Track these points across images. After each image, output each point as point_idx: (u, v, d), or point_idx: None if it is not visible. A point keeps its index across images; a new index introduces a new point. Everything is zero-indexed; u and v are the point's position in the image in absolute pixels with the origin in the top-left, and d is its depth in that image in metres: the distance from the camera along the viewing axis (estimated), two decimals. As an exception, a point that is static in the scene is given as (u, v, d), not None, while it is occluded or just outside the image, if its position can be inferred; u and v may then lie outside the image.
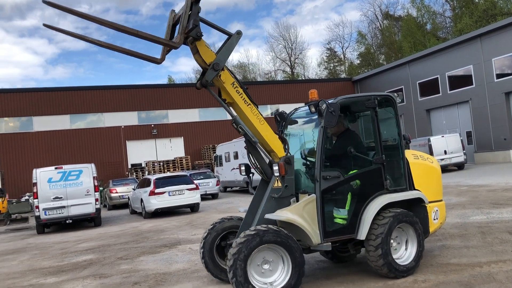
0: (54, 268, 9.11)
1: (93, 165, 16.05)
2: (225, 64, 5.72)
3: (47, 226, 16.03)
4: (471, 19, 42.45)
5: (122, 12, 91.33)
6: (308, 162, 6.38)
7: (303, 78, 60.58)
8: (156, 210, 16.73)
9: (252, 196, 6.36)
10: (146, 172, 31.25)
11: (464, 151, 24.72)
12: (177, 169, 31.77)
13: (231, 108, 5.90)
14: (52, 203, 15.07)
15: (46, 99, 32.28)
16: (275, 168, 5.78)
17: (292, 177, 5.87)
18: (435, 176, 6.77)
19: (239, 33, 5.77)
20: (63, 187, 15.25)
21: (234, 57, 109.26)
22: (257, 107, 5.94)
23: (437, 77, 31.84)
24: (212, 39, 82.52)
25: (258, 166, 6.09)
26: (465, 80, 29.86)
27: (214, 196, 23.69)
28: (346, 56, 64.47)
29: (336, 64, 64.80)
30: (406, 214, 5.95)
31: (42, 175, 15.22)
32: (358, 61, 61.69)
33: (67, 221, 15.34)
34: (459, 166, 24.81)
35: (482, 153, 28.46)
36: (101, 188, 22.64)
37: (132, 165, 33.50)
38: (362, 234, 5.77)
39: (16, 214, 18.12)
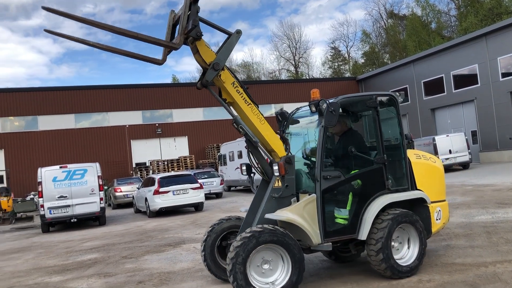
0: (59, 266, 9.15)
1: (97, 164, 16.12)
2: (227, 63, 5.71)
3: (52, 225, 16.11)
4: (476, 18, 42.24)
5: (126, 12, 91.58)
6: (309, 162, 6.37)
7: (307, 77, 60.50)
8: (160, 209, 16.77)
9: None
10: (151, 171, 31.31)
11: (469, 151, 24.61)
12: (181, 168, 31.82)
13: (231, 107, 5.90)
14: (57, 202, 15.14)
15: (51, 99, 32.42)
16: (275, 167, 5.77)
17: (293, 177, 5.86)
18: (437, 176, 6.73)
19: (238, 32, 5.76)
20: (68, 186, 15.31)
21: (238, 56, 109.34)
22: (258, 107, 5.93)
23: (442, 76, 31.72)
24: (217, 38, 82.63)
25: (259, 166, 6.08)
26: (470, 79, 29.72)
27: (218, 195, 23.73)
28: (350, 55, 64.37)
29: (341, 63, 64.68)
30: (405, 214, 5.90)
31: (47, 174, 15.30)
32: (363, 60, 61.52)
33: (71, 220, 15.41)
34: (464, 166, 24.70)
35: (487, 153, 28.33)
36: (105, 187, 22.70)
37: (137, 164, 33.57)
38: (363, 235, 5.75)
39: (21, 213, 18.23)
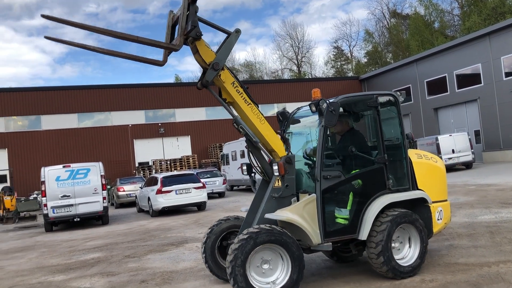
0: (62, 266, 9.18)
1: (100, 163, 16.15)
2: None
3: (55, 224, 16.15)
4: (479, 17, 42.11)
5: (129, 11, 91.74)
6: (310, 162, 6.36)
7: (310, 77, 60.45)
8: (163, 208, 16.80)
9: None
10: (153, 171, 31.38)
11: (472, 150, 24.55)
12: (184, 167, 31.87)
13: (231, 107, 5.91)
14: (60, 201, 15.18)
15: (54, 98, 32.52)
16: (275, 167, 5.77)
17: (293, 177, 5.85)
18: (439, 176, 6.70)
19: (237, 31, 5.78)
20: (71, 185, 15.35)
21: (241, 56, 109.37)
22: (258, 107, 5.94)
23: (445, 76, 31.65)
24: (219, 38, 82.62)
25: (259, 165, 6.08)
26: (473, 78, 29.65)
27: (220, 194, 23.75)
28: (353, 54, 64.34)
29: (343, 62, 64.61)
30: (403, 215, 5.86)
31: (50, 173, 15.34)
32: (366, 60, 61.46)
33: (75, 219, 15.44)
34: (467, 165, 24.64)
35: (490, 152, 28.25)
36: (108, 187, 22.73)
37: (140, 163, 33.65)
38: (363, 235, 5.73)
39: (25, 212, 18.26)
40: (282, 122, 6.81)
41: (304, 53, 63.93)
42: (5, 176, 28.91)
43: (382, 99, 6.20)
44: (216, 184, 23.40)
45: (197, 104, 35.47)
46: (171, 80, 71.86)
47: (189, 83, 43.35)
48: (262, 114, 5.96)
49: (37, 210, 18.53)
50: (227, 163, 26.95)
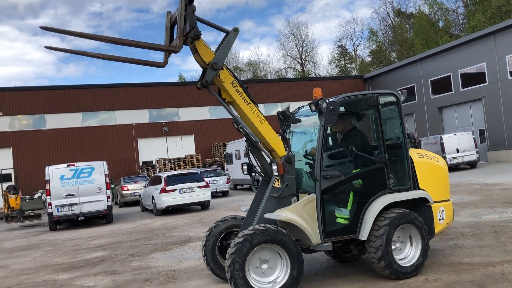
0: (66, 264, 9.22)
1: (105, 162, 16.20)
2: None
3: (59, 223, 16.22)
4: (484, 16, 41.91)
5: (133, 11, 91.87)
6: (311, 161, 6.35)
7: (314, 76, 60.37)
8: (167, 207, 16.84)
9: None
10: (157, 170, 31.44)
11: (477, 149, 24.47)
12: (187, 166, 31.90)
13: (231, 107, 5.91)
14: (64, 200, 15.24)
15: (59, 97, 32.64)
16: (274, 167, 5.77)
17: (293, 177, 5.84)
18: (441, 176, 6.64)
19: (236, 30, 5.78)
20: (75, 184, 15.41)
21: (245, 55, 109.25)
22: (257, 106, 5.94)
23: (450, 75, 31.52)
24: (219, 38, 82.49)
25: (259, 165, 6.07)
26: (478, 77, 29.52)
27: (224, 193, 23.78)
28: (357, 53, 64.21)
29: (347, 61, 64.50)
30: (401, 216, 5.80)
31: (55, 172, 15.40)
32: (370, 59, 61.29)
33: (79, 218, 15.51)
34: (472, 165, 24.56)
35: (495, 152, 28.13)
36: (112, 186, 22.81)
37: (143, 162, 33.72)
38: (363, 235, 5.70)
39: (29, 211, 18.35)
40: (283, 121, 6.80)
41: (308, 52, 63.92)
42: (9, 175, 29.00)
43: (382, 98, 6.17)
44: (220, 183, 23.42)
45: (201, 103, 35.50)
46: (175, 79, 72.04)
47: (193, 82, 43.34)
48: (262, 114, 5.96)
49: (42, 209, 18.62)
50: (231, 162, 26.97)
